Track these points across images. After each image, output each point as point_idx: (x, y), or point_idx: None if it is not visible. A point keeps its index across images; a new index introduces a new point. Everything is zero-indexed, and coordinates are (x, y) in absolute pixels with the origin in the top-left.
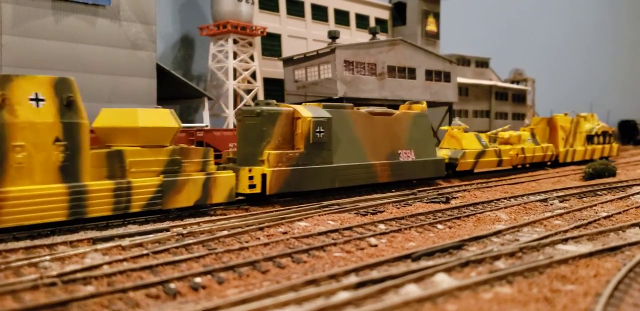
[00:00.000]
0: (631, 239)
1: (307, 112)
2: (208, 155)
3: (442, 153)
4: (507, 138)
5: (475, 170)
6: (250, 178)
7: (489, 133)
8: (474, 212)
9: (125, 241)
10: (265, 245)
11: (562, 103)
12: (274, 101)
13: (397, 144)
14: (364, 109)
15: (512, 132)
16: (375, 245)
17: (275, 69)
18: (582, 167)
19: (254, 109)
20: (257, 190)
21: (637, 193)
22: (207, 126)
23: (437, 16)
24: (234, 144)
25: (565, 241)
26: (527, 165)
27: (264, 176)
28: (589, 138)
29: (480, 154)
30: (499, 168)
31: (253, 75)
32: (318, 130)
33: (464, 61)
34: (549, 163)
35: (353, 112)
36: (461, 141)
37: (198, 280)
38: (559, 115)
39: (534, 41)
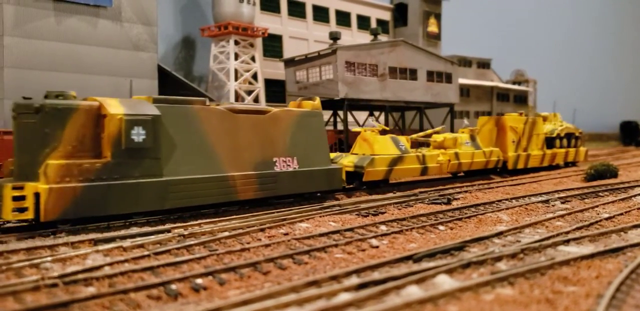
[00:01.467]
0: (633, 240)
1: (119, 107)
2: None
3: (347, 160)
4: (440, 142)
5: (392, 180)
6: (19, 198)
7: (415, 135)
8: (475, 213)
9: (127, 243)
10: (267, 246)
11: (563, 103)
12: (72, 93)
13: (272, 150)
14: (224, 105)
15: (448, 135)
16: (377, 246)
17: (276, 69)
18: (583, 168)
19: (30, 103)
20: (29, 215)
21: (639, 195)
22: None
23: (438, 17)
24: None
25: (567, 242)
26: (461, 173)
27: (37, 195)
28: (550, 141)
29: (396, 161)
30: (426, 177)
31: (254, 76)
32: (135, 131)
33: (465, 62)
34: (498, 170)
35: (202, 108)
36: (373, 145)
37: (199, 281)
38: (512, 114)
39: (536, 42)
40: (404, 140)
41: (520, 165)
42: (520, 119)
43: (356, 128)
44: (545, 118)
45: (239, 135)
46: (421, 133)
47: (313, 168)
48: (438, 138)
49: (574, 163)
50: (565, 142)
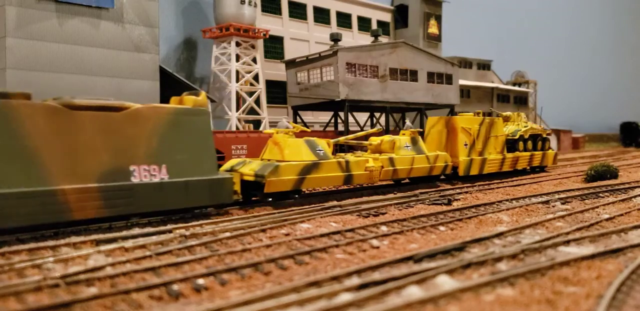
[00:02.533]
0: (633, 241)
1: None
2: None
3: (249, 168)
4: (377, 146)
5: (307, 190)
6: None
7: (343, 138)
8: (476, 214)
9: (128, 243)
10: (268, 246)
11: (564, 104)
12: None
13: (128, 156)
14: (60, 100)
15: (387, 137)
16: (378, 247)
17: (277, 71)
18: (584, 169)
19: None
20: None
21: (639, 195)
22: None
23: (439, 19)
24: (236, 146)
25: (567, 243)
26: (406, 180)
27: None
28: (512, 144)
29: (310, 168)
30: (355, 186)
31: (256, 78)
32: None
33: (465, 63)
34: (444, 176)
35: (22, 104)
36: (283, 150)
37: (201, 281)
38: (465, 114)
39: (536, 43)
40: (323, 144)
41: (474, 171)
42: (474, 120)
43: (268, 130)
44: (507, 118)
45: (78, 137)
46: (350, 136)
47: (190, 178)
48: (374, 141)
49: (542, 168)
50: (530, 144)
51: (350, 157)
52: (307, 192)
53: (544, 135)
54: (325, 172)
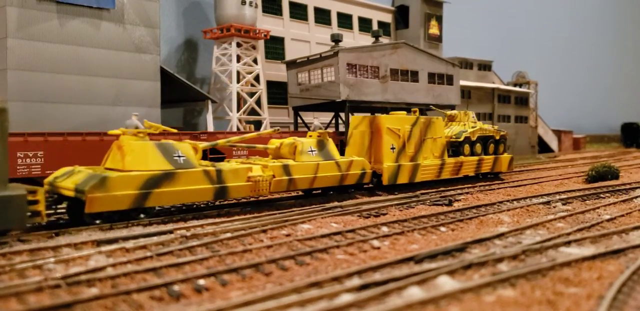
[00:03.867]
0: (634, 242)
1: None
2: None
3: (71, 180)
4: (275, 150)
5: (159, 206)
6: None
7: (223, 141)
8: (476, 215)
9: (129, 244)
10: (269, 247)
11: (565, 105)
12: None
13: None
14: None
15: (288, 140)
16: (378, 248)
17: (278, 72)
18: (585, 169)
19: None
20: None
21: None
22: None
23: (439, 19)
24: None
25: (568, 244)
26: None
27: None
28: (456, 147)
29: (160, 180)
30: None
31: (256, 78)
32: None
33: (466, 64)
34: (364, 185)
35: None
36: (125, 156)
37: (202, 282)
38: (397, 112)
39: (537, 44)
40: (185, 149)
41: (403, 179)
42: (405, 119)
43: (113, 131)
44: (452, 118)
45: None
46: (235, 138)
47: None
48: (273, 144)
49: (496, 174)
50: (479, 147)
51: (225, 164)
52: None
53: (497, 137)
54: (184, 184)
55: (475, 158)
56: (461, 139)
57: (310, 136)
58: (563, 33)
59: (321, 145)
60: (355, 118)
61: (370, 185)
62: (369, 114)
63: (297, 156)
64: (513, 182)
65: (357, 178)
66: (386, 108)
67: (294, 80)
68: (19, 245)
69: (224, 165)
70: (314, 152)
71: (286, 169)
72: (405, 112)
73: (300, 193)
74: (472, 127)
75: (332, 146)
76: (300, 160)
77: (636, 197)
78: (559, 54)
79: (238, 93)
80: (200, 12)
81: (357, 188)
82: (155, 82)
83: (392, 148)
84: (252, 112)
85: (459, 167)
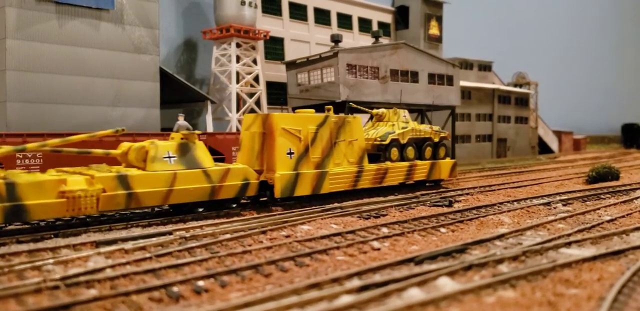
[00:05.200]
0: (635, 243)
1: None
2: None
3: None
4: (122, 155)
5: None
6: None
7: (35, 144)
8: (477, 216)
9: (128, 245)
10: (268, 248)
11: (565, 106)
12: None
13: None
14: None
15: (143, 143)
16: (378, 249)
17: (278, 72)
18: (585, 170)
19: None
20: None
21: None
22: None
23: (439, 20)
24: (237, 147)
25: (568, 245)
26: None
27: None
28: (382, 151)
29: None
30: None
31: (256, 79)
32: None
33: (466, 65)
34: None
35: None
36: None
37: (201, 283)
38: (305, 110)
39: (537, 44)
40: None
41: (303, 190)
42: (308, 118)
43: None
44: (380, 117)
45: None
46: (54, 141)
47: None
48: (122, 148)
49: (436, 182)
50: (411, 151)
51: (22, 176)
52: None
53: (436, 139)
54: None
55: (405, 164)
56: (386, 142)
57: (172, 138)
58: (563, 33)
59: (184, 150)
60: (248, 116)
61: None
62: (263, 113)
63: (148, 164)
64: (514, 183)
65: (236, 190)
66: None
67: (293, 81)
68: (18, 246)
69: (19, 177)
70: (172, 159)
71: (123, 181)
72: (314, 110)
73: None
74: (403, 128)
75: (201, 151)
76: (151, 169)
77: (637, 198)
78: (559, 55)
79: (237, 94)
80: (200, 12)
81: (255, 202)
82: (155, 82)
83: (290, 154)
84: (252, 112)
85: (383, 174)
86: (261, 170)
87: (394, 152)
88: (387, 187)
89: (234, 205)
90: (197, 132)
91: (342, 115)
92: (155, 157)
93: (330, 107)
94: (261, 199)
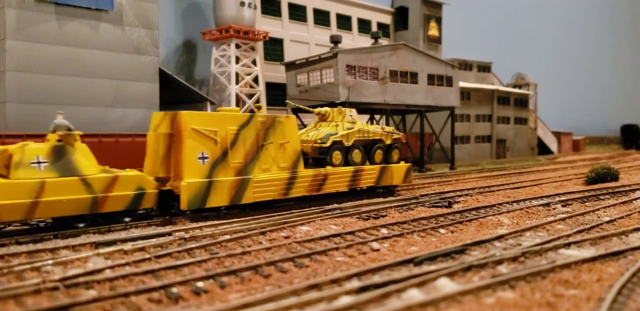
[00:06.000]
0: (634, 244)
1: None
2: None
3: None
4: None
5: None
6: None
7: None
8: (476, 217)
9: (128, 246)
10: (268, 249)
11: (565, 106)
12: None
13: None
14: None
15: (1, 148)
16: (378, 250)
17: (277, 73)
18: (584, 171)
19: None
20: None
21: None
22: None
23: (439, 21)
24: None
25: (568, 245)
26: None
27: None
28: (323, 154)
29: None
30: None
31: (255, 80)
32: None
33: (466, 65)
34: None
35: None
36: None
37: (200, 284)
38: (228, 108)
39: (537, 46)
40: None
41: (219, 201)
42: (227, 118)
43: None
44: (324, 117)
45: None
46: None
47: None
48: None
49: (388, 188)
50: (357, 155)
51: None
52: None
53: (388, 141)
54: None
55: (349, 169)
56: (327, 144)
57: (48, 140)
58: (562, 35)
59: (59, 154)
60: (156, 115)
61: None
62: (173, 111)
63: (11, 170)
64: (513, 183)
65: (127, 202)
66: (385, 109)
67: (293, 82)
68: (17, 247)
69: None
70: (42, 165)
71: None
72: (238, 109)
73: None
74: (348, 129)
75: (81, 155)
76: (15, 177)
77: (636, 199)
78: (558, 56)
79: (237, 95)
80: (199, 13)
81: (165, 214)
82: (154, 83)
83: (202, 158)
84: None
85: (322, 180)
86: (168, 177)
87: (337, 155)
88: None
89: (128, 220)
90: (77, 132)
91: (271, 114)
92: (21, 162)
93: (260, 104)
94: (172, 211)
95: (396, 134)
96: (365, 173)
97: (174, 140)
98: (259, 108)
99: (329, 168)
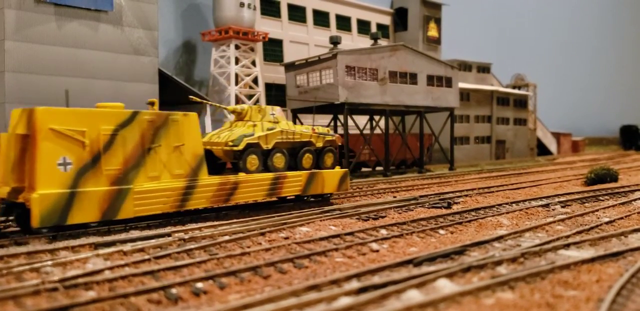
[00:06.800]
0: (633, 244)
1: None
2: None
3: None
4: None
5: None
6: None
7: None
8: (475, 217)
9: (127, 247)
10: (267, 250)
11: (564, 107)
12: None
13: None
14: None
15: None
16: (377, 250)
17: (277, 74)
18: (584, 172)
19: None
20: None
21: (639, 199)
22: None
23: (438, 22)
24: None
25: (567, 246)
26: None
27: None
28: (238, 158)
29: None
30: None
31: (255, 81)
32: None
33: (465, 66)
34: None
35: None
36: None
37: (199, 285)
38: (110, 104)
39: (536, 46)
40: None
41: (85, 216)
42: (102, 115)
43: None
44: (241, 116)
45: None
46: None
47: None
48: None
49: (321, 197)
50: (279, 159)
51: None
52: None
53: (320, 144)
54: None
55: (267, 176)
56: (240, 147)
57: None
58: (562, 35)
59: None
60: (15, 112)
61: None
62: (29, 107)
63: None
64: (512, 184)
65: None
66: (385, 110)
67: (292, 83)
68: (17, 247)
69: None
70: None
71: None
72: (122, 104)
73: None
74: (268, 129)
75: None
76: None
77: (635, 200)
78: (558, 56)
79: (236, 96)
80: (199, 14)
81: (26, 232)
82: (154, 84)
83: (64, 165)
84: None
85: (231, 189)
86: (22, 187)
87: (252, 160)
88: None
89: None
90: None
91: (161, 112)
92: None
93: (154, 100)
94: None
95: (330, 136)
96: (288, 181)
97: (30, 144)
98: (152, 104)
99: (241, 175)
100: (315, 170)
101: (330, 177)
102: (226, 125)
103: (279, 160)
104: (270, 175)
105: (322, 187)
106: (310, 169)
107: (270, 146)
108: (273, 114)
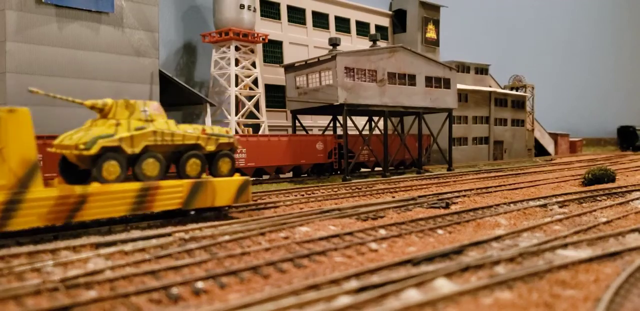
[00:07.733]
0: (631, 244)
1: None
2: None
3: None
4: None
5: None
6: None
7: None
8: (473, 217)
9: (128, 246)
10: (267, 250)
11: (562, 108)
12: None
13: None
14: None
15: None
16: (376, 250)
17: (276, 75)
18: (581, 172)
19: None
20: None
21: (637, 199)
22: None
23: (436, 23)
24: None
25: (565, 246)
26: None
27: None
28: (95, 165)
29: None
30: None
31: (255, 82)
32: None
33: (463, 68)
34: None
35: None
36: None
37: (200, 284)
38: None
39: (534, 48)
40: None
41: None
42: None
43: None
44: (104, 113)
45: None
46: None
47: None
48: None
49: (213, 210)
50: (153, 165)
51: None
52: None
53: (211, 148)
54: None
55: (131, 186)
56: (92, 151)
57: None
58: (560, 36)
59: None
60: None
61: None
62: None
63: None
64: (510, 185)
65: None
66: (384, 111)
67: (292, 84)
68: (18, 248)
69: None
70: None
71: None
72: None
73: None
74: (137, 129)
75: None
76: None
77: (632, 200)
78: (555, 58)
79: (236, 97)
80: (199, 16)
81: None
82: (154, 85)
83: None
84: (251, 115)
85: (77, 204)
86: None
87: (110, 167)
88: None
89: None
90: None
91: None
92: None
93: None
94: None
95: (225, 138)
96: (163, 192)
97: None
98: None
99: (93, 187)
100: (203, 179)
101: (225, 187)
102: (87, 124)
103: (150, 166)
104: (135, 185)
105: (212, 199)
106: (198, 177)
107: (137, 150)
108: (145, 111)
